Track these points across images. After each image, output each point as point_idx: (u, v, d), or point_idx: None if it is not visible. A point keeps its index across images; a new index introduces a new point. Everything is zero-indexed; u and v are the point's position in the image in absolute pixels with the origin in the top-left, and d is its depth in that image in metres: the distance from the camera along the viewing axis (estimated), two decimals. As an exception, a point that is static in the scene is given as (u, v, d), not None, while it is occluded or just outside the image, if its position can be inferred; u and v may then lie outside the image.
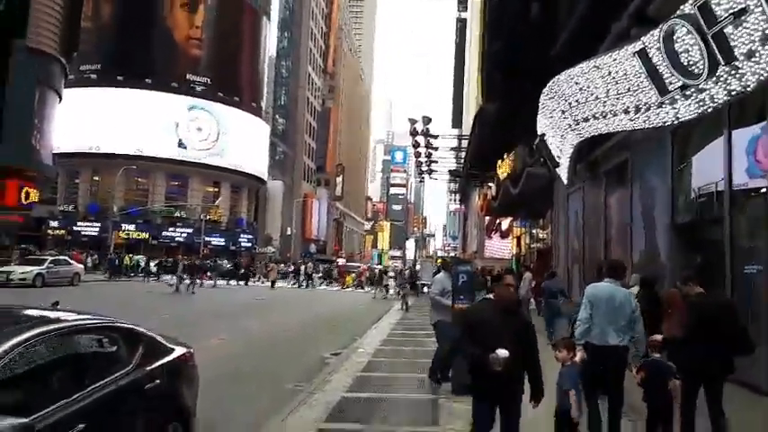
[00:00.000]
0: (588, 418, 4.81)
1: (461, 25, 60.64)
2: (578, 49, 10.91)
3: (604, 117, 10.05)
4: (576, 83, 10.53)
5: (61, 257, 25.86)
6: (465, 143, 31.98)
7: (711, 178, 8.91)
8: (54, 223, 54.55)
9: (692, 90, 7.42)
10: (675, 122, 8.12)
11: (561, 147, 12.52)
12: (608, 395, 4.92)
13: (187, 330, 11.51)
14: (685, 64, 7.33)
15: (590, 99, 10.25)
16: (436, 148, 25.11)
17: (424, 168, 28.56)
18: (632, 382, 4.93)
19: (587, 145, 13.10)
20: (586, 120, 10.68)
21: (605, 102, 9.80)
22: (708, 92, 7.19)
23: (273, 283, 32.81)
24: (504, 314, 4.07)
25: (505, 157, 23.05)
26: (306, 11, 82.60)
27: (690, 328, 5.01)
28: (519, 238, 30.63)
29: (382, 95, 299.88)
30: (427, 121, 22.32)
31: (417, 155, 25.34)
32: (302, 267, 38.19)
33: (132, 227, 54.10)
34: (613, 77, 9.25)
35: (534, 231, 27.22)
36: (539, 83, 17.47)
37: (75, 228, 53.93)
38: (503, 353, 3.74)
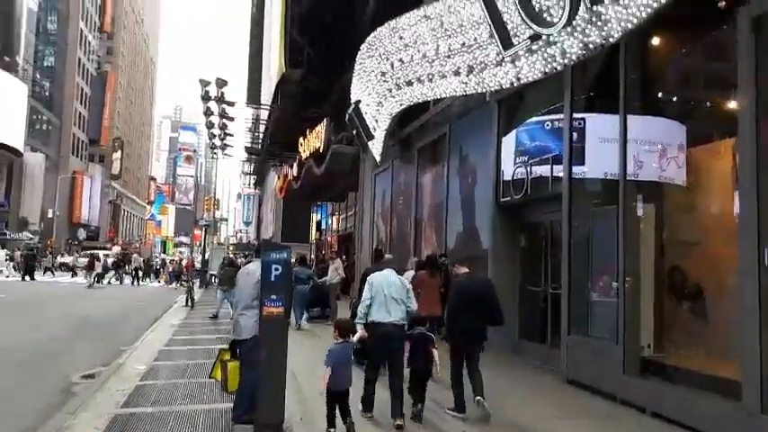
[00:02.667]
0: (364, 389, 5.34)
1: (259, -3, 57.53)
2: (396, 10, 9.50)
3: (431, 80, 8.83)
4: (401, 37, 9.16)
5: None
6: (264, 119, 29.61)
7: (543, 153, 8.17)
8: None
9: (541, 43, 6.38)
10: (515, 84, 7.09)
11: (377, 116, 11.15)
12: (389, 364, 5.46)
13: None
14: (539, 9, 6.23)
15: (416, 58, 8.94)
16: (232, 119, 22.27)
17: (218, 143, 25.44)
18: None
19: (399, 120, 12.00)
20: (410, 83, 9.39)
21: (434, 61, 8.56)
22: (559, 45, 6.19)
23: None
24: None
25: (308, 133, 21.35)
26: (77, -42, 71.04)
27: (454, 303, 5.82)
28: (318, 223, 29.34)
29: (170, 67, 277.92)
30: (221, 83, 19.37)
31: (210, 125, 22.18)
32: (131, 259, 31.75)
33: None
34: (446, 30, 8.01)
35: (334, 217, 26.13)
36: (348, 47, 16.16)
37: None
38: None
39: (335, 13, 18.24)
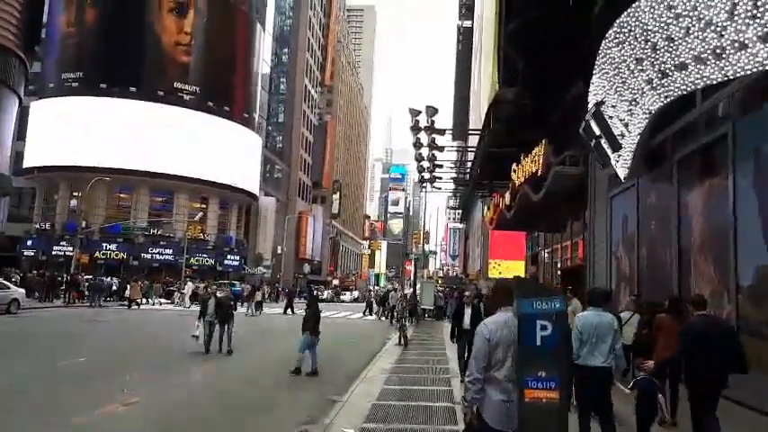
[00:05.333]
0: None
1: (464, 32, 58.08)
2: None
3: (719, 56, 6.37)
4: (671, 7, 6.87)
5: (-4, 281, 21.85)
6: (472, 147, 28.43)
7: None
8: (29, 243, 50.86)
9: None
10: None
11: (627, 119, 8.83)
12: (597, 410, 5.48)
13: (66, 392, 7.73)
14: None
15: (695, 29, 6.58)
16: (441, 149, 21.33)
17: (427, 176, 24.79)
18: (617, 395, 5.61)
19: (646, 128, 9.47)
20: (683, 67, 7.00)
21: (725, 28, 6.14)
22: None
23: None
24: None
25: (523, 158, 19.41)
26: (303, 22, 79.78)
27: (682, 347, 5.63)
28: (536, 256, 26.83)
29: (381, 112, 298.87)
30: (432, 111, 18.56)
31: (419, 158, 21.57)
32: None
33: (113, 246, 50.32)
34: (754, -26, 5.59)
35: (549, 249, 23.49)
36: (569, 59, 14.01)
37: (54, 247, 49.58)
38: None
39: (555, 22, 16.33)
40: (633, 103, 8.36)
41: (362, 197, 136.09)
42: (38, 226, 51.93)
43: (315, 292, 39.62)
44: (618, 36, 8.04)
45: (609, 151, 9.59)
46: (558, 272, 21.35)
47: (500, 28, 17.54)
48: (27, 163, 50.43)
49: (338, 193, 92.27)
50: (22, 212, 54.46)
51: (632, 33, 7.71)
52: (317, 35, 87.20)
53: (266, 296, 36.91)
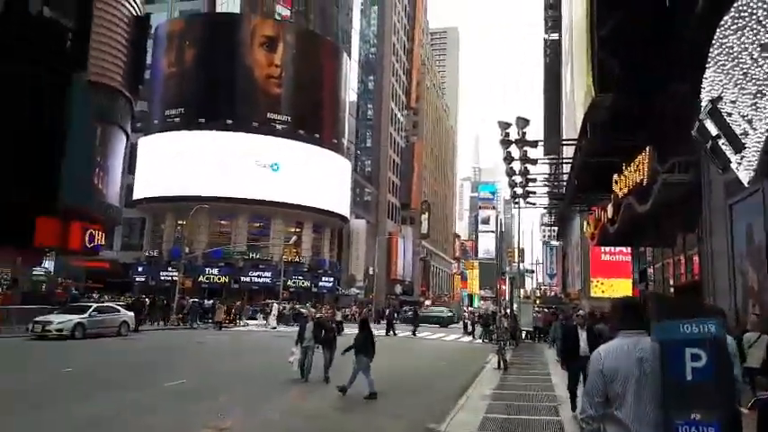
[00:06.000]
0: None
1: (551, 45, 56.42)
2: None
3: None
4: (804, -21, 6.00)
5: (108, 304, 23.44)
6: (566, 158, 27.13)
7: None
8: (140, 269, 54.55)
9: None
10: None
11: (751, 114, 7.82)
12: None
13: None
14: None
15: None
16: (534, 162, 20.37)
17: (519, 191, 23.81)
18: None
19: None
20: (821, 48, 6.05)
21: None
22: None
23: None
24: None
25: (624, 168, 18.14)
26: (387, 48, 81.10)
27: None
28: (644, 273, 24.96)
29: (468, 132, 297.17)
30: (523, 123, 17.76)
31: (510, 172, 20.72)
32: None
33: (215, 270, 52.85)
34: None
35: (666, 261, 21.69)
36: (667, 59, 12.99)
37: (162, 273, 52.88)
38: None
39: (651, 21, 15.24)
40: (758, 95, 7.38)
41: (451, 217, 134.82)
42: (147, 253, 55.61)
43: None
44: (736, 21, 7.16)
45: (729, 153, 8.54)
46: (671, 290, 19.64)
47: (592, 33, 16.62)
48: (136, 195, 54.39)
49: (427, 214, 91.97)
50: (132, 241, 58.64)
51: (754, 16, 6.82)
52: (401, 60, 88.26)
53: (353, 316, 37.08)
